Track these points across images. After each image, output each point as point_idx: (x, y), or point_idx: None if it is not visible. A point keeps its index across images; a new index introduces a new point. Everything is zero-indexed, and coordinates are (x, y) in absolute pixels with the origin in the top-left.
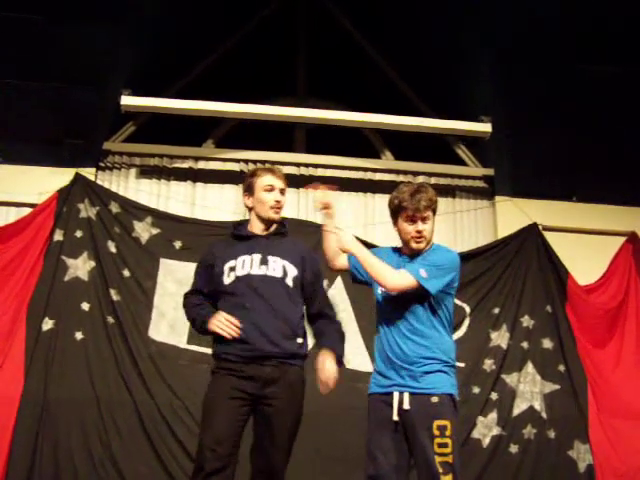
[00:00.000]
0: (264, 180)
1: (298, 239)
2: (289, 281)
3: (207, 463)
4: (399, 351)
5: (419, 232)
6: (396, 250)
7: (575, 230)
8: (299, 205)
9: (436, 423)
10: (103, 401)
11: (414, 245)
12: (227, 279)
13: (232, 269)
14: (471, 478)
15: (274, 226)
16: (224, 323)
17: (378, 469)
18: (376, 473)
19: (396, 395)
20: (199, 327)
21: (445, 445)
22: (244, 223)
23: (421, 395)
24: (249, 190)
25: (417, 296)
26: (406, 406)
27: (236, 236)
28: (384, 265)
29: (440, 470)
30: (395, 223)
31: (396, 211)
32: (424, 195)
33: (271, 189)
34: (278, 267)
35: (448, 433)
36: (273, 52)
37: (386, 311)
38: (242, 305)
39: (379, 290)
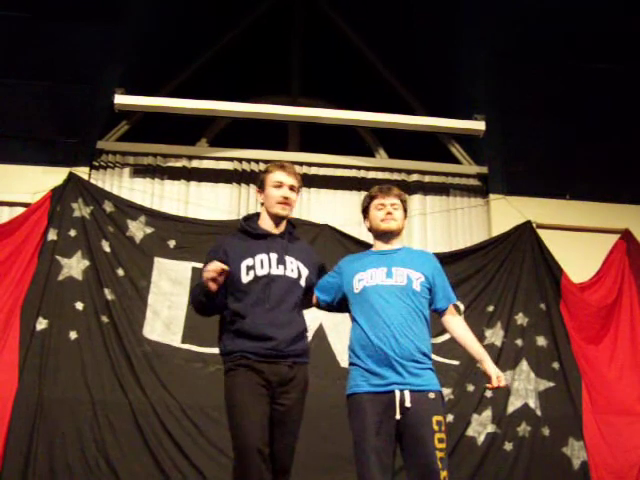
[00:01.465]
0: (274, 176)
1: (304, 240)
2: (302, 282)
3: (254, 467)
4: (397, 346)
5: (389, 213)
6: (366, 254)
7: (569, 228)
8: None
9: (435, 419)
10: (97, 400)
11: (384, 226)
12: (245, 277)
13: (250, 268)
14: (466, 475)
15: (284, 225)
16: (211, 268)
17: (371, 469)
18: (369, 473)
19: (397, 394)
20: (200, 292)
21: (443, 440)
22: (253, 217)
23: (420, 392)
24: (261, 186)
25: (421, 292)
26: (408, 404)
27: (248, 232)
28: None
29: (440, 466)
30: (367, 220)
31: (367, 205)
32: (393, 186)
33: (280, 185)
34: (294, 268)
35: (444, 428)
36: (267, 51)
37: (378, 304)
38: (261, 304)
39: (368, 283)
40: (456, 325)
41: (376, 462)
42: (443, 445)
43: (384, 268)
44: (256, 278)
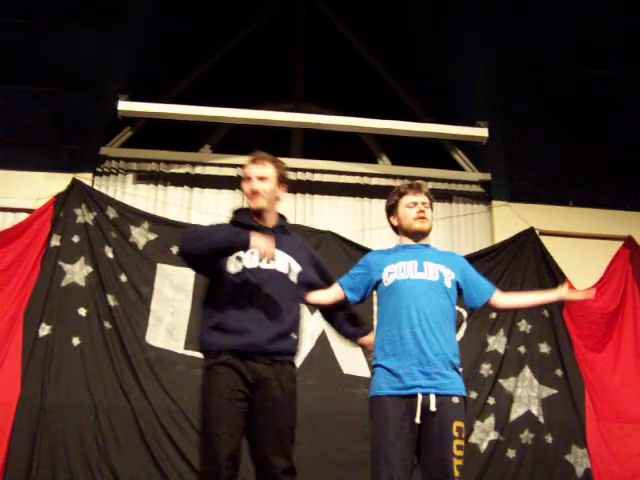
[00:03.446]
0: (244, 172)
1: (299, 236)
2: (293, 277)
3: (222, 475)
4: (427, 344)
5: (422, 211)
6: (394, 248)
7: (572, 235)
8: (295, 209)
9: (456, 424)
10: (100, 406)
11: (417, 225)
12: (233, 268)
13: (239, 259)
14: None
15: (274, 218)
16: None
17: (393, 473)
18: (391, 476)
19: (420, 397)
20: (233, 238)
21: (462, 448)
22: (244, 210)
23: (445, 396)
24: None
25: (452, 290)
26: (433, 408)
27: (239, 224)
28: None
29: (457, 474)
30: (394, 217)
31: (395, 204)
32: (423, 183)
33: (248, 179)
34: (285, 263)
35: (463, 435)
36: (270, 57)
37: (408, 298)
38: (246, 298)
39: (399, 276)
40: (512, 297)
41: (397, 463)
42: (461, 452)
43: (414, 261)
44: (244, 270)
